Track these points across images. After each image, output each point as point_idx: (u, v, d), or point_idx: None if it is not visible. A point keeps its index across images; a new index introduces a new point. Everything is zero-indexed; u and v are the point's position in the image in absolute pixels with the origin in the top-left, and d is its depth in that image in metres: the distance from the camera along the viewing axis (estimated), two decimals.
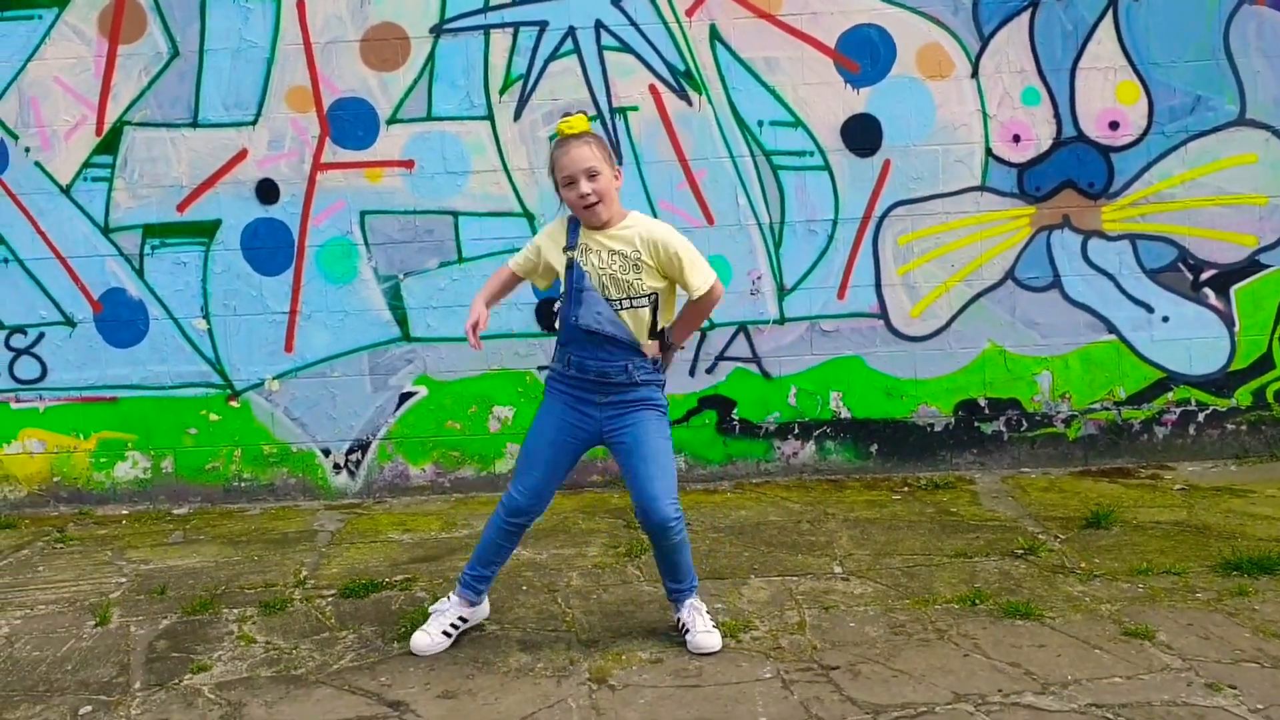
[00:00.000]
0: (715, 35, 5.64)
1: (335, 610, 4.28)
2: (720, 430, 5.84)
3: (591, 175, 3.58)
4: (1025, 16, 5.59)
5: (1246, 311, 5.69)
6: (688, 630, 3.76)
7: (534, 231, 5.73)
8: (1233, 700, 3.22)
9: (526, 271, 3.89)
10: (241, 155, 5.73)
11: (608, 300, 3.63)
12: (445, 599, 3.97)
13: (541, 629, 4.00)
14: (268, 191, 5.74)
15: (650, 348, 3.70)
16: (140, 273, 5.78)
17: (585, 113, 3.98)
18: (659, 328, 3.71)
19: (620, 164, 3.85)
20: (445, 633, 3.88)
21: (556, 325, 3.78)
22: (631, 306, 3.65)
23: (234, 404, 5.85)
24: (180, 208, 5.74)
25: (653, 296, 3.66)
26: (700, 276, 3.67)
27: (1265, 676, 3.34)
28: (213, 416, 5.86)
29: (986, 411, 5.78)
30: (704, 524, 5.10)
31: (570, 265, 3.68)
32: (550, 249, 3.77)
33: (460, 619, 3.92)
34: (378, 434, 5.86)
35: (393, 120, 5.70)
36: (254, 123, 5.71)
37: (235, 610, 4.32)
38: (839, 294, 5.70)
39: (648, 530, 3.76)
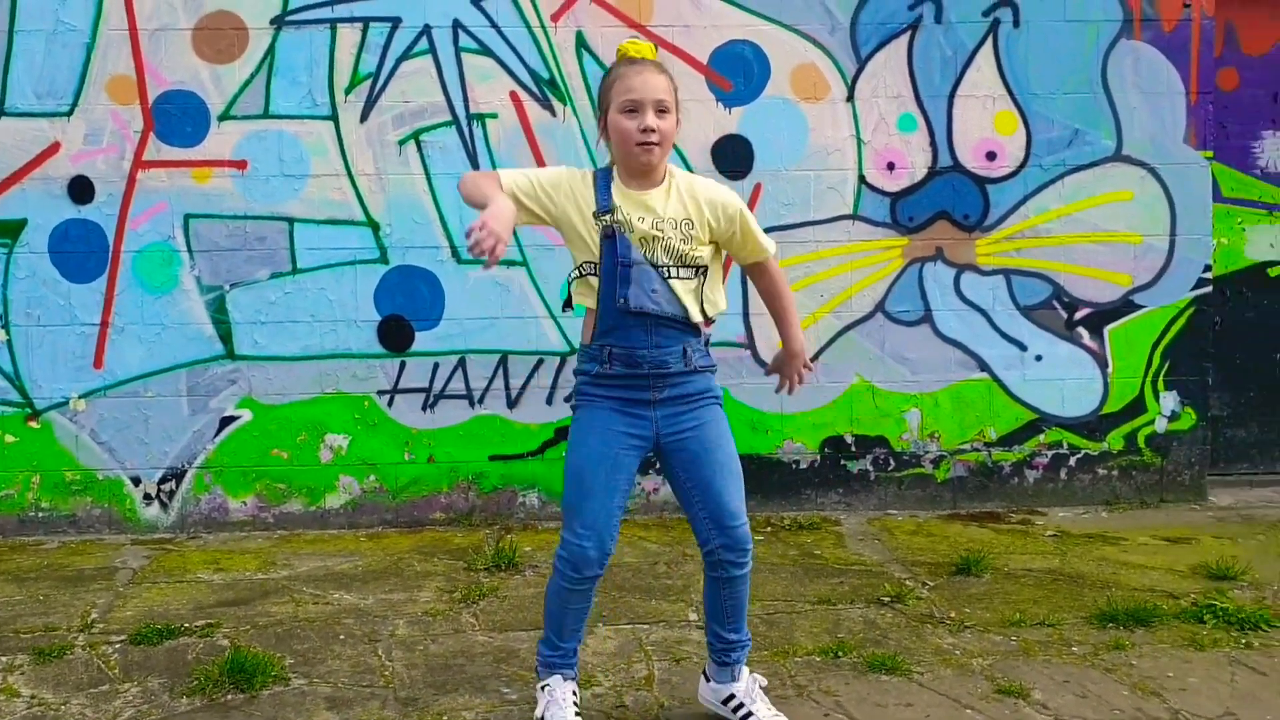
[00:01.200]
0: (582, 43, 5.30)
1: (121, 659, 3.74)
2: None
3: (662, 110, 2.94)
4: (904, 39, 5.39)
5: (1120, 353, 5.54)
6: (747, 715, 3.11)
7: (378, 242, 5.28)
8: None
9: (523, 196, 3.02)
10: (53, 149, 5.17)
11: (655, 269, 2.98)
12: (542, 693, 3.15)
13: (355, 684, 3.52)
14: (81, 190, 5.19)
15: (704, 324, 3.08)
16: None
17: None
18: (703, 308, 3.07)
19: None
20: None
21: (574, 310, 3.12)
22: (679, 277, 2.99)
23: (34, 424, 5.23)
24: None
25: (703, 268, 3.03)
26: (768, 238, 3.13)
27: None
28: (9, 438, 5.23)
29: (853, 449, 5.50)
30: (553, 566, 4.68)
31: (610, 234, 2.97)
32: (570, 202, 3.02)
33: (574, 693, 3.15)
34: (194, 462, 5.29)
35: (225, 116, 5.21)
36: (69, 114, 5.17)
37: (3, 658, 3.75)
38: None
39: (719, 558, 3.07)
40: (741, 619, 3.15)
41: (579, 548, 3.02)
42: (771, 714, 3.12)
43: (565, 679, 3.14)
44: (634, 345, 3.00)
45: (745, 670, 3.18)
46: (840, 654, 3.66)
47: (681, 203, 3.02)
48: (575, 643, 3.17)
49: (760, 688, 3.18)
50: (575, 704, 3.12)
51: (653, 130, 2.93)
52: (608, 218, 2.98)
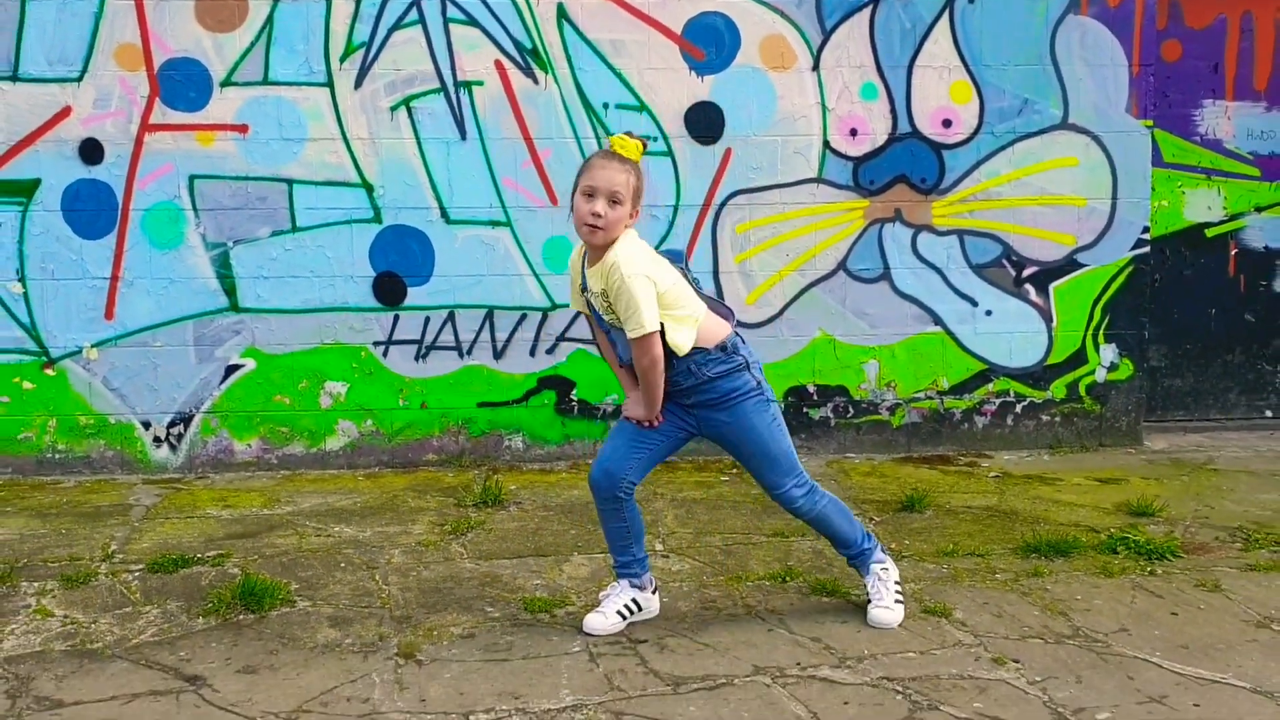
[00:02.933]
0: (563, 14, 5.61)
1: (141, 585, 4.14)
2: (559, 410, 5.83)
3: (614, 201, 3.41)
4: (866, 12, 5.71)
5: (1063, 308, 5.93)
6: (870, 600, 3.73)
7: (372, 203, 5.63)
8: (1014, 674, 3.35)
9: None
10: (65, 113, 5.48)
11: (630, 340, 3.49)
12: (612, 585, 3.77)
13: (355, 605, 3.93)
14: (91, 151, 5.51)
15: (703, 340, 3.53)
16: None
17: (646, 141, 3.65)
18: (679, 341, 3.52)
19: (638, 209, 3.54)
20: (620, 614, 3.67)
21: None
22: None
23: (49, 372, 5.60)
24: None
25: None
26: (632, 319, 3.42)
27: (1047, 651, 3.50)
28: (26, 384, 5.60)
29: (815, 398, 5.91)
30: (536, 503, 5.10)
31: (591, 309, 3.63)
32: (572, 285, 3.73)
33: (634, 603, 3.70)
34: (202, 407, 5.67)
35: (227, 83, 5.52)
36: (79, 79, 5.47)
37: (35, 584, 4.15)
38: None
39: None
40: (839, 542, 3.74)
41: (591, 473, 3.68)
42: (886, 607, 3.69)
43: (630, 585, 3.72)
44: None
45: (874, 566, 3.75)
46: (788, 579, 4.08)
47: (600, 279, 3.48)
48: (627, 557, 3.72)
49: (884, 583, 3.74)
50: (628, 605, 3.69)
51: (599, 216, 3.40)
52: (586, 295, 3.60)
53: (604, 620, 3.65)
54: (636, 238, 3.54)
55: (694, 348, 3.52)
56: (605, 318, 3.57)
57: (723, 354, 3.55)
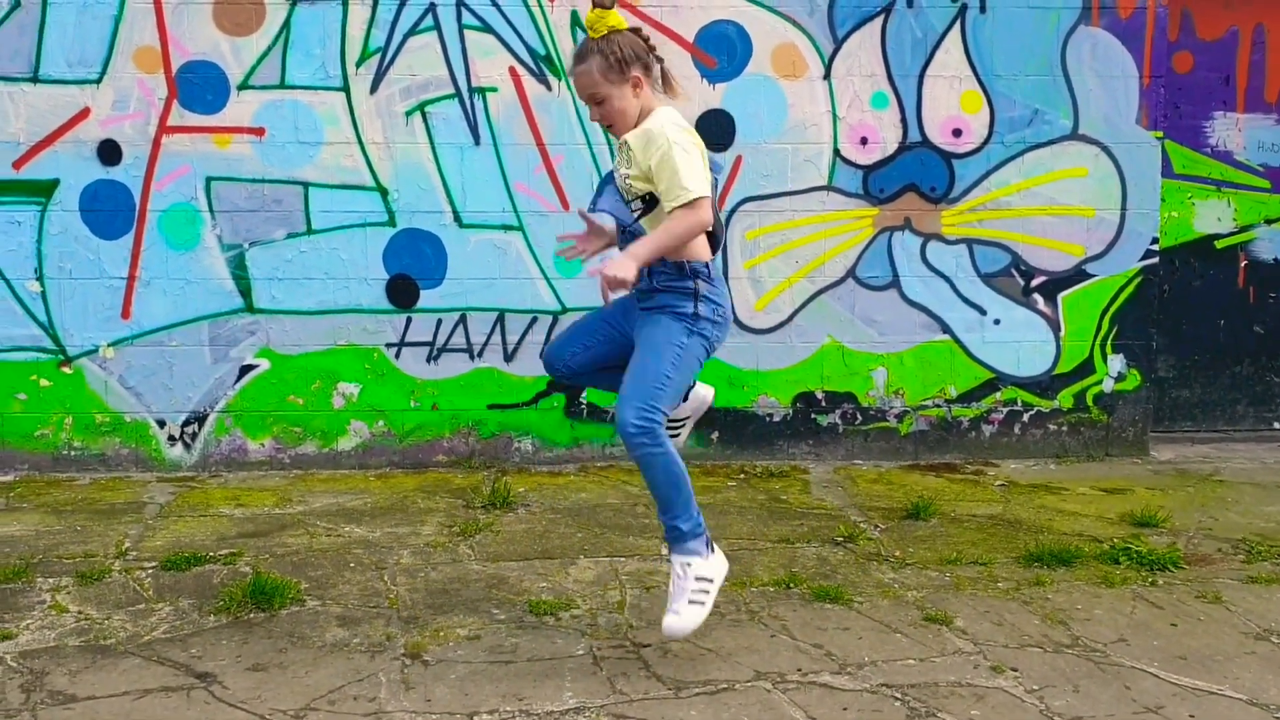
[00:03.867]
0: (576, 21, 5.67)
1: (154, 582, 4.20)
2: (569, 414, 5.88)
3: (597, 101, 3.38)
4: (878, 22, 5.75)
5: (1072, 318, 5.96)
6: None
7: (387, 206, 5.69)
8: (1013, 681, 3.39)
9: None
10: (84, 114, 5.55)
11: (626, 203, 3.48)
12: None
13: (363, 605, 3.99)
14: (110, 152, 5.58)
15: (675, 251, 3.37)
16: None
17: (610, 6, 3.40)
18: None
19: (634, 76, 3.36)
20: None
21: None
22: (636, 209, 3.43)
23: (66, 370, 5.67)
24: (16, 165, 5.54)
25: (647, 197, 3.39)
26: (675, 189, 3.23)
27: (1046, 660, 3.53)
28: (43, 382, 5.67)
29: (824, 404, 5.95)
30: (544, 505, 5.15)
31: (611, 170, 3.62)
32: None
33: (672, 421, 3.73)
34: (216, 406, 5.74)
35: (244, 86, 5.59)
36: (98, 81, 5.55)
37: (50, 580, 4.21)
38: None
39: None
40: (659, 503, 3.42)
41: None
42: (674, 613, 3.38)
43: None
44: None
45: (681, 552, 3.41)
46: (792, 585, 4.12)
47: (629, 141, 3.37)
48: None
49: (683, 580, 3.40)
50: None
51: (599, 120, 3.46)
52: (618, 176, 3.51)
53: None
54: (671, 112, 3.40)
55: (660, 260, 3.39)
56: (625, 182, 3.41)
57: (677, 271, 3.42)
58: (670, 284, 3.43)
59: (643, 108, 3.42)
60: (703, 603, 3.40)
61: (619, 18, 3.40)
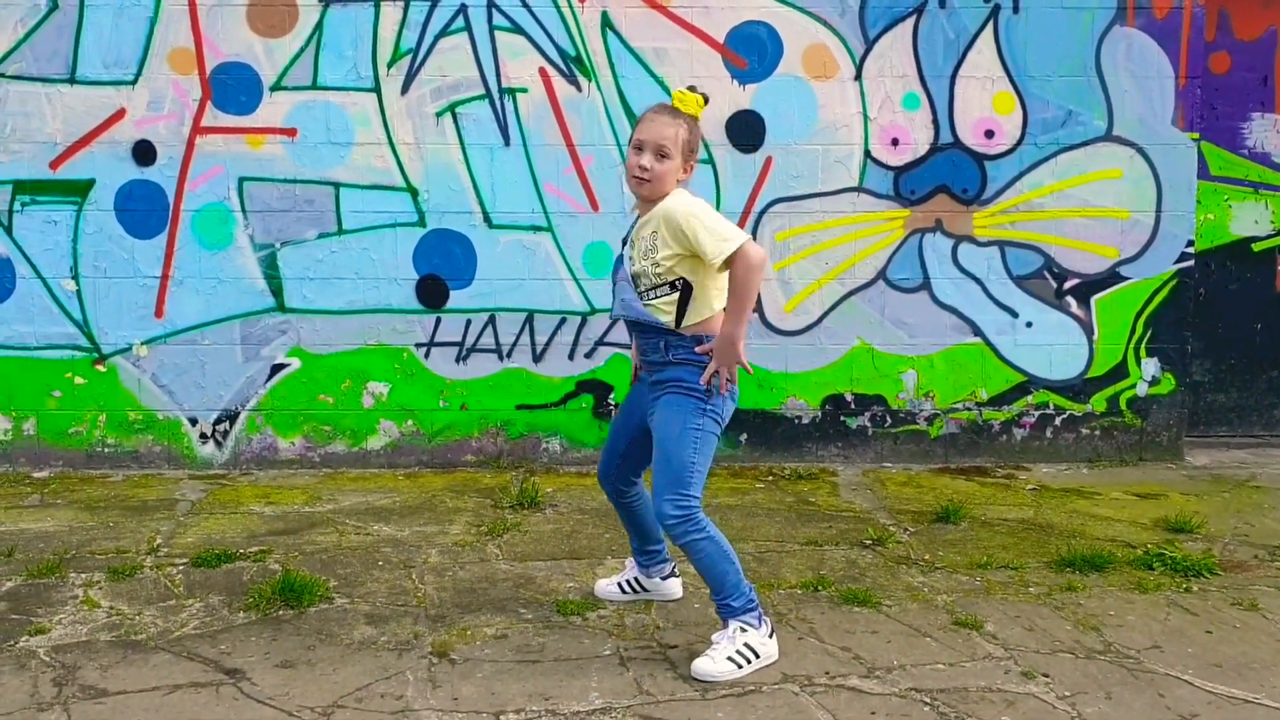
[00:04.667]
0: (607, 22, 5.67)
1: (185, 579, 4.24)
2: (597, 414, 5.88)
3: (661, 154, 3.40)
4: (910, 22, 5.72)
5: (1105, 321, 5.90)
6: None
7: (417, 207, 5.71)
8: (1043, 688, 3.35)
9: None
10: (119, 115, 5.61)
11: (637, 292, 3.47)
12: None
13: (391, 604, 4.00)
14: (144, 153, 5.64)
15: (691, 327, 3.44)
16: (9, 230, 5.63)
17: (706, 97, 3.55)
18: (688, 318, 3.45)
19: (691, 165, 3.50)
20: (622, 588, 3.99)
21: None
22: (655, 298, 3.44)
23: (100, 368, 5.73)
24: (53, 165, 5.61)
25: (678, 283, 3.41)
26: (713, 241, 3.31)
27: (1077, 666, 3.49)
28: (78, 380, 5.73)
29: (853, 406, 5.91)
30: (571, 506, 5.15)
31: (619, 257, 3.60)
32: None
33: (631, 580, 3.98)
34: (247, 405, 5.78)
35: (277, 87, 5.63)
36: (133, 82, 5.60)
37: (83, 575, 4.25)
38: None
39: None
40: (709, 583, 3.51)
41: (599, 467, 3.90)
42: (708, 657, 3.43)
43: (636, 567, 3.99)
44: (634, 338, 3.61)
45: (734, 625, 3.47)
46: (820, 589, 4.10)
47: (651, 222, 3.44)
48: (635, 545, 3.95)
49: (729, 640, 3.47)
50: (622, 581, 4.02)
51: (646, 169, 3.41)
52: (624, 247, 3.59)
53: (607, 583, 4.01)
54: (691, 194, 3.48)
55: (676, 336, 3.44)
56: (644, 268, 3.44)
57: (696, 344, 3.45)
58: (686, 358, 3.46)
59: (669, 189, 3.47)
60: (740, 666, 3.42)
61: (699, 110, 3.50)
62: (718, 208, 5.70)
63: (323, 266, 5.71)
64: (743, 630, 3.44)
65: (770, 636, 3.50)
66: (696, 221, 3.34)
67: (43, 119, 5.58)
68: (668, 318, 3.45)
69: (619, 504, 3.85)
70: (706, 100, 3.53)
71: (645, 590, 3.97)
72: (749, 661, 3.42)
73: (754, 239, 5.58)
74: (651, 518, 3.75)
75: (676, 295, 3.43)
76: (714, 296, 3.46)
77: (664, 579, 3.96)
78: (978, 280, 5.86)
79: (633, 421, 3.72)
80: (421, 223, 5.73)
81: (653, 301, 3.46)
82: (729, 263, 3.34)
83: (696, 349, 3.45)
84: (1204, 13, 5.74)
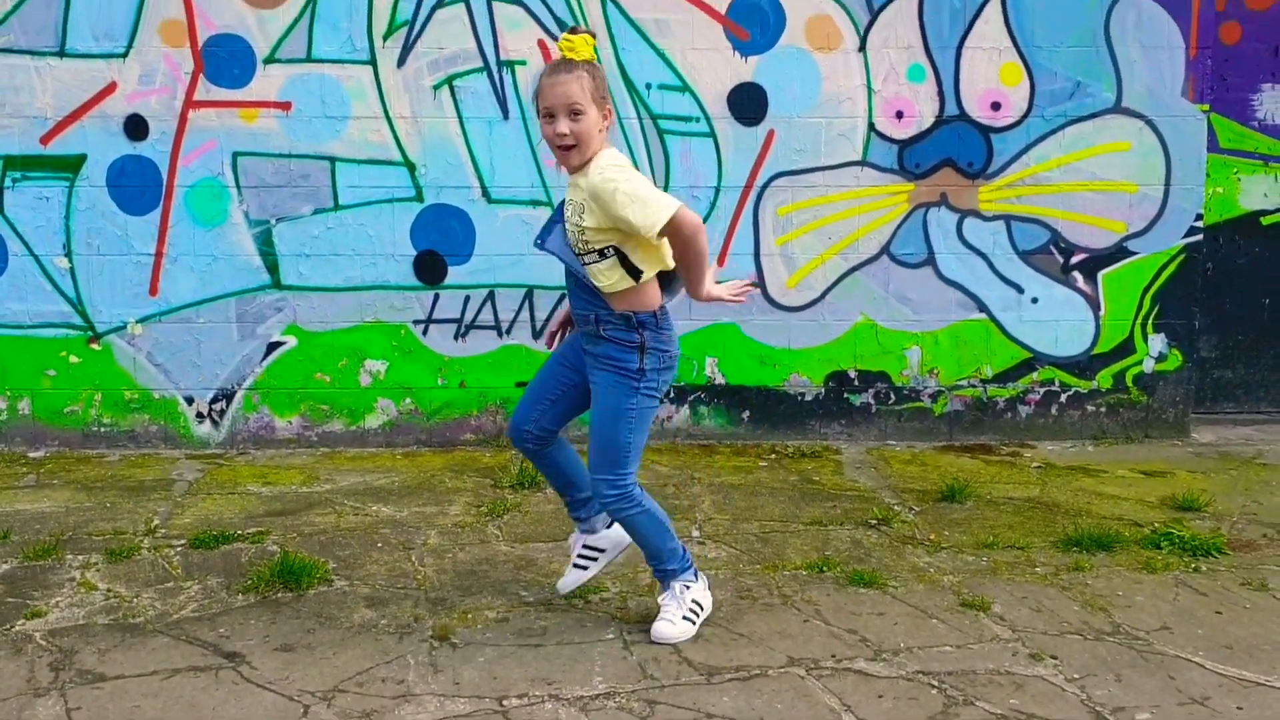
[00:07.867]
0: None
1: (183, 560, 4.19)
2: None
3: (574, 113, 3.20)
4: None
5: (1113, 296, 5.83)
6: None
7: (414, 181, 5.63)
8: (1052, 670, 3.31)
9: None
10: (110, 89, 5.52)
11: (575, 253, 3.33)
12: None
13: (391, 586, 3.95)
14: (136, 127, 5.55)
15: (623, 300, 3.32)
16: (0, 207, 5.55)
17: (593, 34, 3.31)
18: (642, 277, 3.31)
19: (608, 110, 3.29)
20: (579, 566, 3.72)
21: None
22: (588, 263, 3.30)
23: (95, 346, 5.66)
24: (44, 140, 5.52)
25: (608, 250, 3.27)
26: (643, 214, 3.16)
27: (1086, 648, 3.45)
28: (73, 359, 5.67)
29: (856, 383, 5.85)
30: None
31: (563, 202, 3.40)
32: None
33: (582, 553, 3.72)
34: (243, 383, 5.72)
35: (270, 60, 5.53)
36: (124, 55, 5.50)
37: (80, 557, 4.20)
38: (718, 260, 5.69)
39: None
40: (647, 553, 3.56)
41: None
42: (667, 620, 3.50)
43: (580, 531, 3.75)
44: (570, 293, 3.46)
45: (674, 586, 3.55)
46: (825, 569, 4.05)
47: (581, 188, 3.27)
48: (568, 498, 3.74)
49: (676, 599, 3.54)
50: (576, 562, 3.74)
51: (565, 134, 3.22)
52: (562, 224, 3.39)
53: (564, 579, 3.74)
54: (618, 153, 3.33)
55: (607, 308, 3.34)
56: (575, 230, 3.30)
57: (624, 324, 3.35)
58: (617, 335, 3.36)
59: (597, 147, 3.30)
60: (694, 622, 3.54)
61: (593, 51, 3.29)
62: (719, 182, 5.67)
63: (319, 243, 5.63)
64: (686, 588, 3.55)
65: (707, 589, 3.63)
66: (623, 195, 3.18)
67: (32, 93, 5.48)
68: (606, 283, 3.31)
69: (540, 455, 3.64)
70: (594, 35, 3.30)
71: (601, 551, 3.71)
72: (698, 615, 3.55)
73: (754, 218, 5.57)
74: (577, 461, 3.68)
75: (608, 263, 3.29)
76: (642, 262, 3.31)
77: (608, 528, 3.71)
78: (983, 255, 5.78)
79: (571, 373, 3.54)
80: (419, 198, 5.65)
81: (590, 266, 3.32)
82: (664, 233, 3.22)
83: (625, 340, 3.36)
84: None
